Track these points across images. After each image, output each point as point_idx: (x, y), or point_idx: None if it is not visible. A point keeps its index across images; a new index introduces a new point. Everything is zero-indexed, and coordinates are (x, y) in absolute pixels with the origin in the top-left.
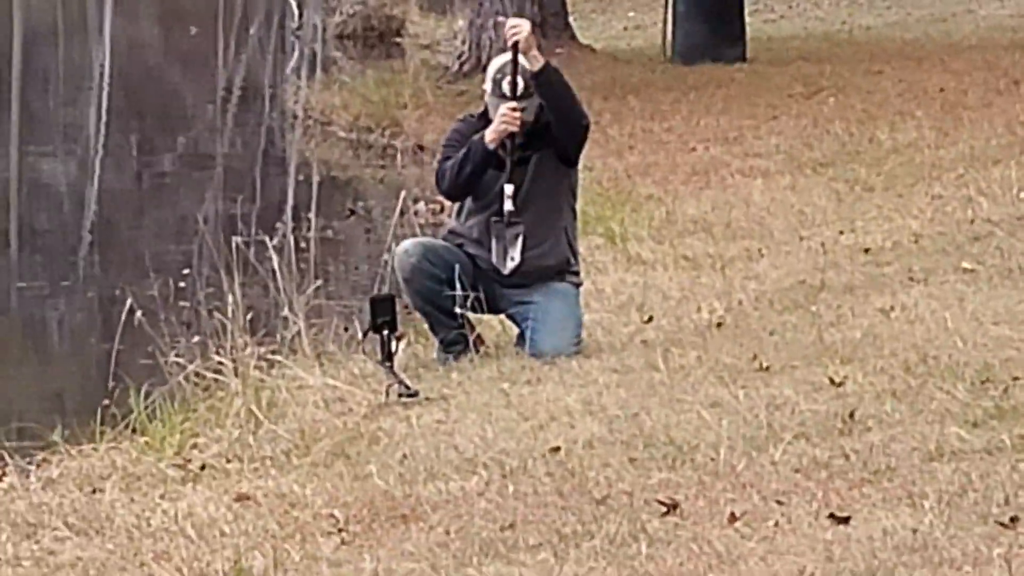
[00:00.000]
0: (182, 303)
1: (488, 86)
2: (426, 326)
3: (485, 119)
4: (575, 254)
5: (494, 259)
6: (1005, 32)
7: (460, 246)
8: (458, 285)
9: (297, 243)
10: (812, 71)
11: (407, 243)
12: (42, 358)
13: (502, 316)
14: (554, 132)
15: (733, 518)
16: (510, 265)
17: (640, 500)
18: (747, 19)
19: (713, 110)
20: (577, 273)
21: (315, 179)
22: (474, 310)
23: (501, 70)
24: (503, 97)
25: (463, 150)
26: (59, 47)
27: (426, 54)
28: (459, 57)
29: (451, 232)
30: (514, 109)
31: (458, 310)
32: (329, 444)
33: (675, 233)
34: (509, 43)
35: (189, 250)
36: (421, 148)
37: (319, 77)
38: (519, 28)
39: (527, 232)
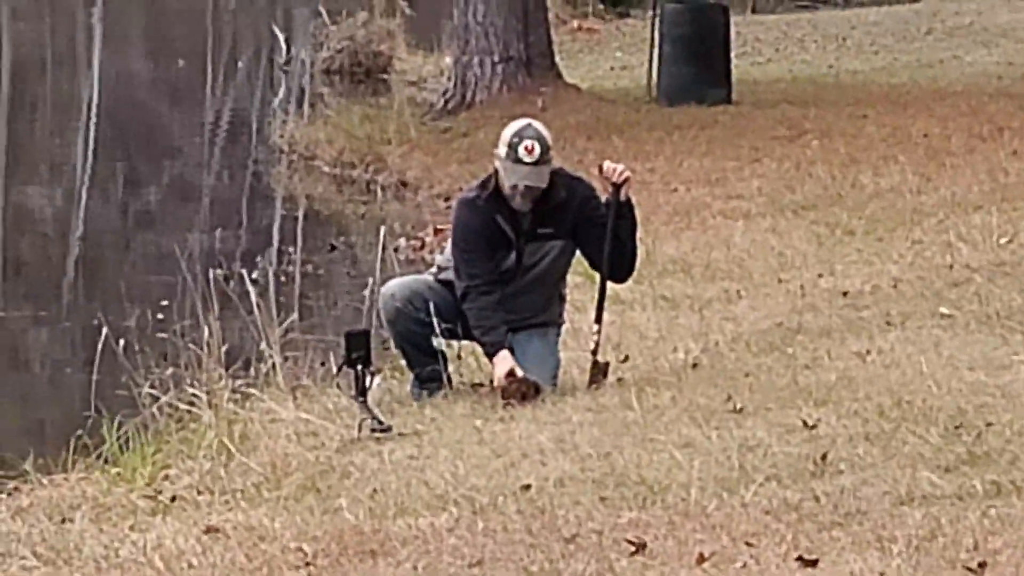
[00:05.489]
0: (160, 335)
1: (502, 150)
2: (403, 361)
3: (493, 191)
4: (562, 305)
5: None
6: (991, 79)
7: (447, 283)
8: (435, 322)
9: (278, 277)
10: (797, 114)
11: (393, 285)
12: (20, 387)
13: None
14: (607, 257)
15: (701, 559)
16: None
17: (609, 539)
18: (733, 61)
19: (696, 151)
20: (560, 314)
21: (298, 213)
22: (455, 337)
23: (519, 134)
24: (518, 162)
25: (485, 320)
26: (47, 79)
27: (412, 91)
28: (444, 94)
29: (439, 267)
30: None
31: (436, 342)
32: (300, 478)
33: (654, 273)
34: (617, 180)
35: (170, 282)
36: (404, 184)
37: (305, 112)
38: (627, 172)
39: (524, 303)
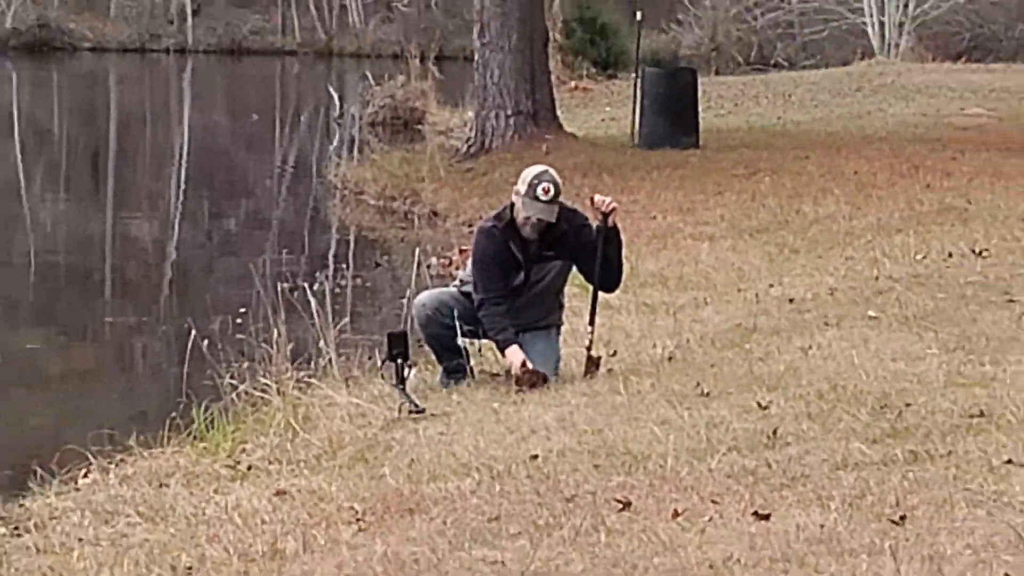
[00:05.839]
0: (238, 336)
1: (522, 188)
2: (433, 357)
3: (508, 222)
4: (562, 311)
5: None
6: (908, 127)
7: (468, 294)
8: (458, 325)
9: (333, 289)
10: (752, 156)
11: (424, 297)
12: (126, 379)
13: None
14: (598, 273)
15: (676, 514)
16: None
17: (601, 499)
18: (700, 114)
19: (670, 186)
20: (560, 318)
21: (349, 238)
22: (475, 337)
23: (538, 177)
24: (536, 200)
25: (497, 323)
26: (147, 131)
27: (441, 139)
28: (467, 141)
29: (461, 281)
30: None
31: (460, 341)
32: (352, 451)
33: (637, 285)
34: (605, 210)
35: (246, 294)
36: (435, 214)
37: (355, 156)
38: (614, 203)
39: (531, 311)
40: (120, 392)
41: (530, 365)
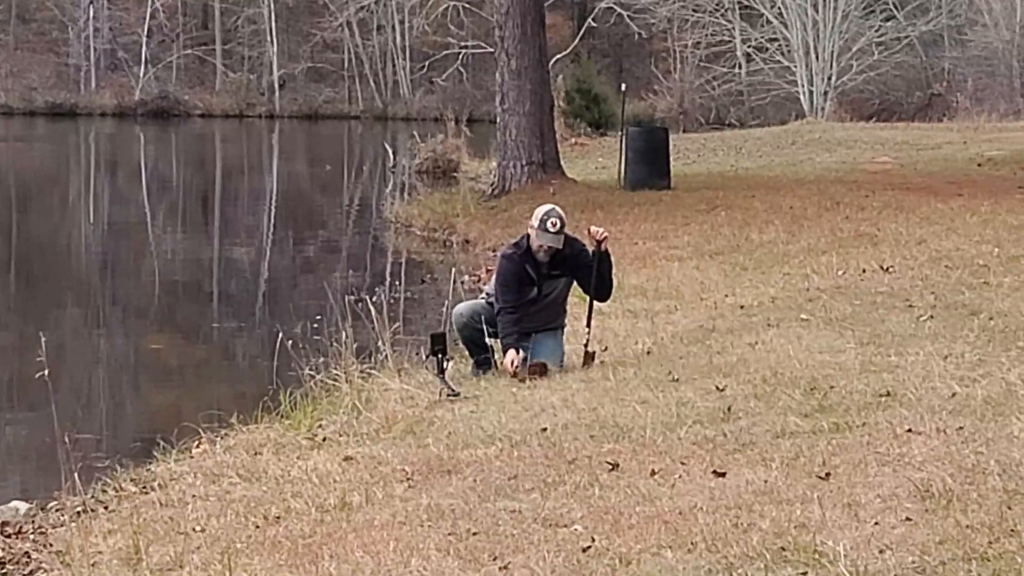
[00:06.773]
0: (315, 337)
1: (535, 222)
2: (466, 353)
3: (524, 249)
4: (565, 315)
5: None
6: (832, 172)
7: (493, 304)
8: (485, 328)
9: (389, 300)
10: (711, 195)
11: (460, 307)
12: (229, 370)
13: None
14: (593, 287)
15: (653, 472)
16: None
17: (595, 461)
18: (671, 162)
19: (649, 219)
20: (564, 321)
21: (401, 260)
22: (498, 337)
23: (547, 213)
24: (546, 231)
25: (506, 329)
26: (245, 178)
27: (471, 183)
28: (491, 185)
29: (487, 294)
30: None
31: (487, 341)
32: (403, 425)
33: (623, 295)
34: (599, 238)
35: (322, 304)
36: (467, 242)
37: (405, 197)
38: (605, 232)
39: (542, 316)
40: (224, 381)
41: (519, 364)
